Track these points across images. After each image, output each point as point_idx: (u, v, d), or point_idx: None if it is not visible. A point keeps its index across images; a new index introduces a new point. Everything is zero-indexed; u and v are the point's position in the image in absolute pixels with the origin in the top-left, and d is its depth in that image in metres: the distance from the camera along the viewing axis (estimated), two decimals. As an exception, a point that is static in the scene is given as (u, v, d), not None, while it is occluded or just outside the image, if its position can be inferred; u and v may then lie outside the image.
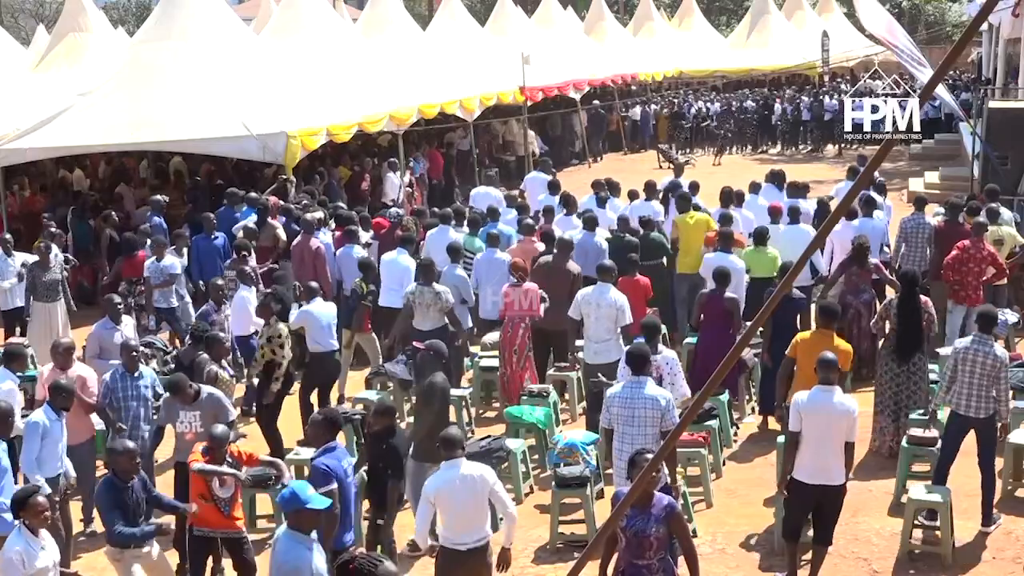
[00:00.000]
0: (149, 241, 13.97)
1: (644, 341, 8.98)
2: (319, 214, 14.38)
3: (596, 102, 31.83)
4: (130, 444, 7.79)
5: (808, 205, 14.76)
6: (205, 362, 9.73)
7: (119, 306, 11.05)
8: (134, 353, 9.33)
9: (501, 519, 7.51)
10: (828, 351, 8.26)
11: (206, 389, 8.79)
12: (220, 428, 7.99)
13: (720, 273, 11.01)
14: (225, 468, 7.80)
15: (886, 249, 13.81)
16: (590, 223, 13.50)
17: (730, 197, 14.52)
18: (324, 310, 11.05)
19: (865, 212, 13.61)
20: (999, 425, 8.79)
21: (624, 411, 7.79)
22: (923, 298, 10.49)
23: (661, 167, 27.78)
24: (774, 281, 11.99)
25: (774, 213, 13.83)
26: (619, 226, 13.97)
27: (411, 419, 10.48)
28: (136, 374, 9.27)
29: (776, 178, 16.22)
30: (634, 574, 6.52)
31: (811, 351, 8.72)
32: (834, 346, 8.86)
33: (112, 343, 10.61)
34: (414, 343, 10.37)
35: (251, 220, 14.52)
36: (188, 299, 13.71)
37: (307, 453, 9.76)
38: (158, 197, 16.75)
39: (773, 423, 10.62)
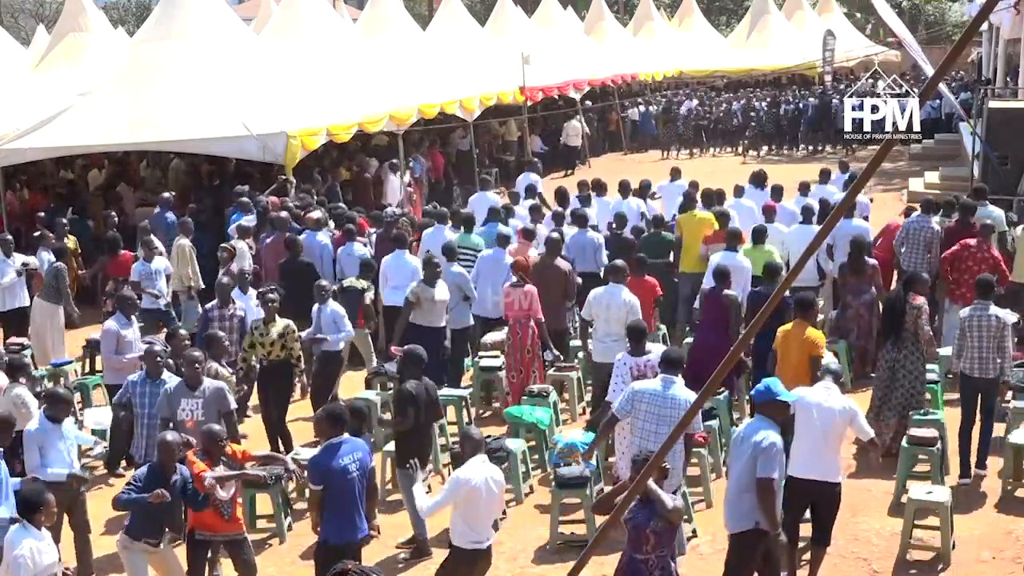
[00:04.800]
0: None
1: (630, 344, 9.09)
2: (316, 214, 14.34)
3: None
4: (169, 436, 7.68)
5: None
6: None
7: (132, 302, 11.02)
8: (158, 359, 9.22)
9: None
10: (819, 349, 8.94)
11: (210, 381, 8.84)
12: (216, 427, 7.98)
13: (720, 272, 11.00)
14: (230, 472, 7.76)
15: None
16: (581, 220, 13.52)
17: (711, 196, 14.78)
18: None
19: (848, 214, 13.31)
20: (1002, 381, 9.42)
21: (654, 408, 7.92)
22: (918, 298, 10.24)
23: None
24: (762, 280, 11.92)
25: (767, 212, 13.94)
26: (617, 224, 13.97)
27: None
28: (158, 380, 9.13)
29: (757, 179, 16.24)
30: (633, 569, 6.63)
31: (791, 341, 9.34)
32: (806, 335, 9.26)
33: (126, 339, 10.61)
34: (392, 349, 10.33)
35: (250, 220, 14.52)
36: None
37: (307, 453, 9.77)
38: (167, 195, 16.71)
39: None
